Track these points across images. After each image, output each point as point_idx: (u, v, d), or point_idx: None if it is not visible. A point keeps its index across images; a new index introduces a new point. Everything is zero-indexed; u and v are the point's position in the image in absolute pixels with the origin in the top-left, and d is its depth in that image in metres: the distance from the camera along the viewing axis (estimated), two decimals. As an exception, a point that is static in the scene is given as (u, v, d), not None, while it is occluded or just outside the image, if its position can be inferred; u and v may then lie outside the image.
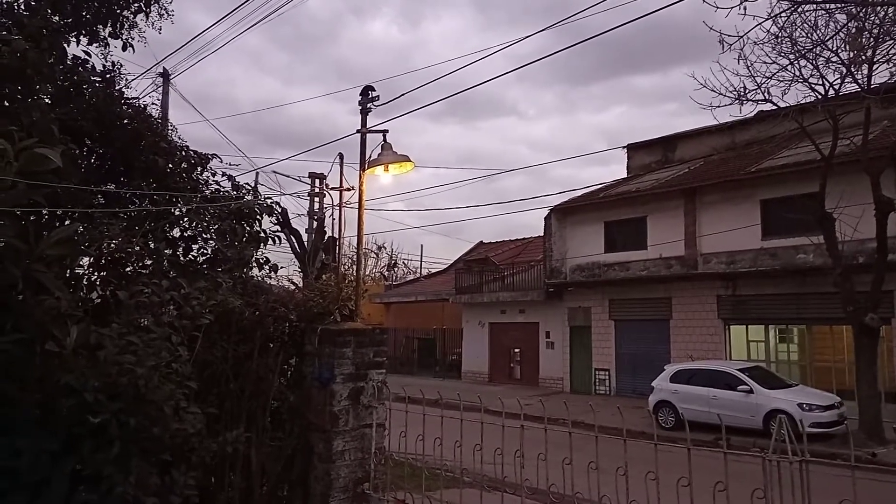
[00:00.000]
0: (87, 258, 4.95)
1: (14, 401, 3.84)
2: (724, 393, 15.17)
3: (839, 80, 13.37)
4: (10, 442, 3.74)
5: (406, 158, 6.78)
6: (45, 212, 4.74)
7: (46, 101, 5.10)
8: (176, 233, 5.97)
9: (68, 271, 4.62)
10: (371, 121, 7.03)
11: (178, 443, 4.18)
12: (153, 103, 7.19)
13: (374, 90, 6.74)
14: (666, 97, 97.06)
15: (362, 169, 6.69)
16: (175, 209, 5.97)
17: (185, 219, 6.00)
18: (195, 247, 6.04)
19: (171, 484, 4.11)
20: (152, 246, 5.47)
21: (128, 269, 5.21)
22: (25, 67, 4.51)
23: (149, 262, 5.32)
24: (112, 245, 5.04)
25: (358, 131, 6.80)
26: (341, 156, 8.50)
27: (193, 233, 6.03)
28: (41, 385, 3.94)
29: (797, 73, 13.34)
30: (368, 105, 6.82)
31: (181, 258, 5.91)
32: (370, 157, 6.87)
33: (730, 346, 20.14)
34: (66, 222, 5.05)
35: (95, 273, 5.07)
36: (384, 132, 6.79)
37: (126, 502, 3.77)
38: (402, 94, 6.97)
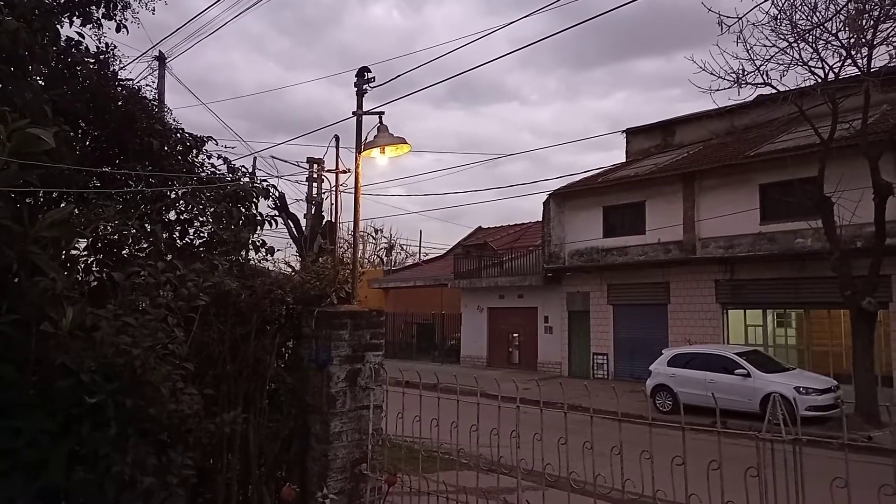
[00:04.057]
0: (83, 240, 4.94)
1: (11, 382, 3.84)
2: (721, 377, 15.24)
3: (839, 63, 13.34)
4: (7, 423, 3.74)
5: (402, 141, 6.74)
6: (39, 193, 4.72)
7: (39, 82, 5.07)
8: (172, 215, 5.96)
9: (64, 253, 4.61)
10: (371, 105, 7.00)
11: (175, 424, 4.19)
12: (148, 85, 7.14)
13: (371, 72, 6.69)
14: (669, 82, 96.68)
15: (358, 151, 6.67)
16: (171, 192, 5.95)
17: (181, 201, 5.99)
18: (191, 230, 6.03)
19: (169, 464, 4.12)
20: (148, 228, 5.47)
21: (124, 251, 5.21)
22: (17, 48, 4.48)
23: (145, 245, 5.32)
24: (108, 227, 5.03)
25: (354, 114, 6.77)
26: (337, 137, 8.49)
27: (189, 215, 6.02)
28: (38, 366, 3.95)
29: (796, 56, 13.31)
30: (364, 87, 6.77)
31: (177, 241, 5.90)
32: (367, 139, 6.84)
33: (727, 330, 20.22)
34: (62, 204, 5.04)
35: (91, 255, 5.07)
36: (380, 114, 6.75)
37: (124, 482, 3.79)
38: (398, 76, 6.92)
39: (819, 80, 13.53)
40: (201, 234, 6.03)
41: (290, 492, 4.98)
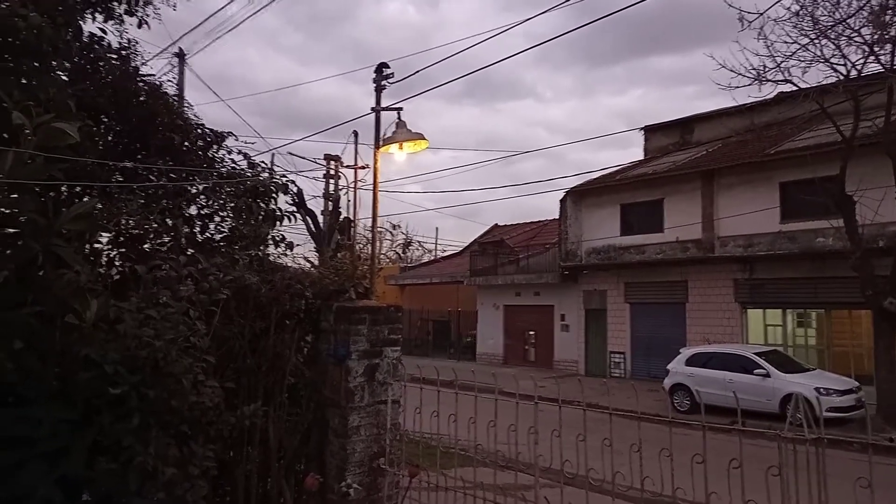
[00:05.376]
0: (107, 234, 5.00)
1: (34, 372, 3.90)
2: (740, 377, 15.10)
3: (861, 60, 13.15)
4: (30, 412, 3.80)
5: (420, 136, 6.73)
6: (63, 187, 4.78)
7: (63, 77, 5.12)
8: (193, 210, 6.00)
9: (87, 246, 4.67)
10: (387, 102, 7.04)
11: (196, 415, 4.22)
12: (169, 81, 7.20)
13: (389, 67, 6.71)
14: (686, 79, 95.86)
15: (376, 146, 6.69)
16: (192, 187, 6.00)
17: (202, 196, 6.03)
18: (212, 224, 6.07)
19: (191, 455, 4.16)
20: (170, 223, 5.51)
21: (145, 245, 5.26)
22: (42, 43, 4.52)
23: (166, 239, 5.37)
24: (130, 222, 5.08)
25: (373, 109, 6.78)
26: (356, 133, 8.53)
27: (210, 210, 6.06)
28: (61, 357, 4.00)
29: (818, 53, 13.14)
30: (383, 83, 6.79)
31: (198, 235, 5.94)
32: (385, 135, 6.85)
33: (747, 329, 20.04)
34: (85, 199, 5.10)
35: (114, 249, 5.13)
36: (398, 110, 6.76)
37: (146, 472, 3.83)
38: (417, 72, 6.94)
39: (841, 78, 13.34)
40: (222, 229, 6.07)
41: (313, 481, 4.99)
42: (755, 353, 15.81)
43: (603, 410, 4.69)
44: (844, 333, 18.46)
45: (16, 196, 3.89)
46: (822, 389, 14.09)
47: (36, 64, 4.66)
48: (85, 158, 4.56)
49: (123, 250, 5.13)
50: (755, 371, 15.10)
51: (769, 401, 14.39)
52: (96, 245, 4.92)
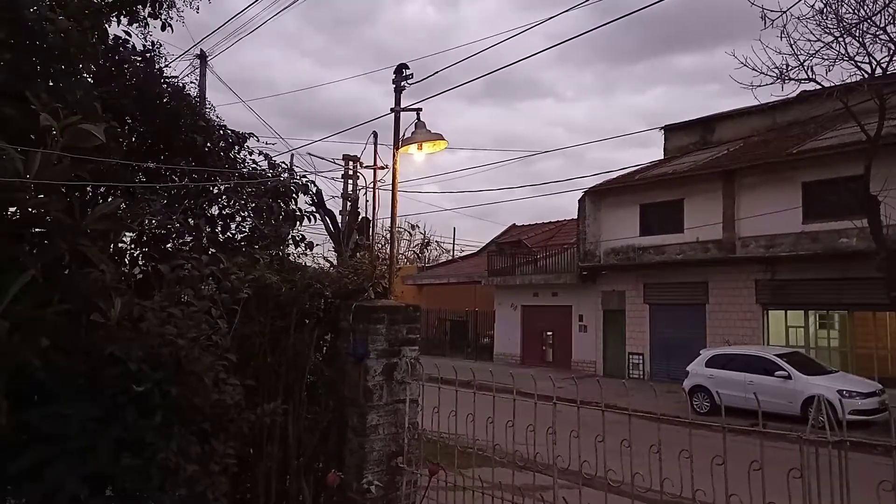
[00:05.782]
0: (130, 234, 5.08)
1: (60, 370, 3.97)
2: (761, 378, 14.94)
3: (886, 58, 12.93)
4: (57, 409, 3.87)
5: (439, 137, 6.78)
6: (89, 188, 4.87)
7: (89, 79, 5.21)
8: (214, 210, 6.08)
9: (112, 246, 4.75)
10: (406, 103, 7.08)
11: (217, 413, 4.28)
12: (191, 82, 7.29)
13: (409, 68, 6.75)
14: (708, 78, 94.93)
15: (396, 147, 6.72)
16: (214, 187, 6.08)
17: (224, 196, 6.11)
18: (233, 224, 6.15)
19: (212, 453, 4.21)
20: (192, 223, 5.59)
21: (168, 245, 5.34)
22: (69, 46, 4.61)
23: (189, 239, 5.45)
24: (153, 221, 5.16)
25: (392, 110, 6.82)
26: (375, 134, 8.60)
27: (231, 210, 6.13)
28: (87, 355, 4.07)
29: (842, 51, 12.93)
30: (402, 83, 6.83)
31: (220, 235, 6.02)
32: (404, 136, 6.89)
33: (768, 331, 19.82)
34: (110, 199, 5.18)
35: (138, 248, 5.21)
36: (418, 110, 6.80)
37: (168, 469, 3.89)
38: (436, 73, 6.99)
39: (866, 76, 13.15)
40: (243, 229, 6.15)
41: (334, 478, 5.03)
42: (776, 355, 15.65)
43: (622, 411, 4.67)
44: (868, 335, 18.20)
45: (43, 196, 3.97)
46: (844, 392, 13.92)
47: (63, 67, 4.74)
48: (110, 159, 4.64)
49: (147, 249, 5.22)
50: (776, 373, 14.94)
51: (790, 403, 14.22)
52: (121, 244, 5.01)
